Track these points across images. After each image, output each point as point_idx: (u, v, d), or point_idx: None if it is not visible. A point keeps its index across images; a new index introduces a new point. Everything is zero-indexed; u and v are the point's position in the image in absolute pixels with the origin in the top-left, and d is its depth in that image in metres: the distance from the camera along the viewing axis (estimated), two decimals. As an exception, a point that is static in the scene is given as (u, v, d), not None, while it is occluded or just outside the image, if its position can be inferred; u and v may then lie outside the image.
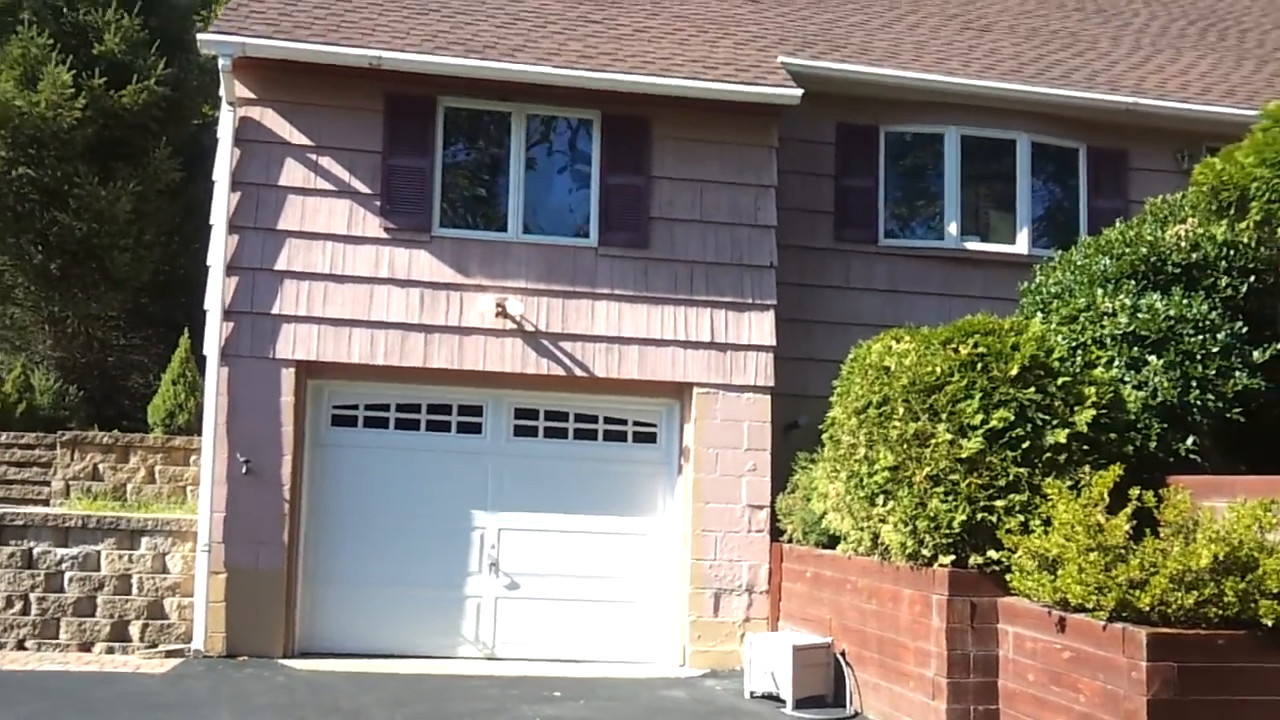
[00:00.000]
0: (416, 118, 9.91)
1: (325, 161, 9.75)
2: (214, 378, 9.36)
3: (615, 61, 10.18)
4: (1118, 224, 8.67)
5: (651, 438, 10.31)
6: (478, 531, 9.90)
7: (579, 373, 9.87)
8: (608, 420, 10.24)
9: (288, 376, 9.45)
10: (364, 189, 9.76)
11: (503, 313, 9.72)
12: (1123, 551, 6.01)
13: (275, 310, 9.50)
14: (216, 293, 9.39)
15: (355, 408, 9.97)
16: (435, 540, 9.81)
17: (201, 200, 14.37)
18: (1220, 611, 5.73)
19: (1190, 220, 8.03)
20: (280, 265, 9.55)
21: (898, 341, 7.82)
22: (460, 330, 9.75)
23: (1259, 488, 6.25)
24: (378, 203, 9.76)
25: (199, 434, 10.74)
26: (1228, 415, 7.24)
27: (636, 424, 10.29)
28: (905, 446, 7.29)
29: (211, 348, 9.38)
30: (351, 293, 9.65)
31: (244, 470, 9.26)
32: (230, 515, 9.24)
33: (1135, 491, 6.36)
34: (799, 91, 10.10)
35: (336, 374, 9.77)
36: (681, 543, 9.99)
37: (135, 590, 9.56)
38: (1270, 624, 5.69)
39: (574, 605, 9.92)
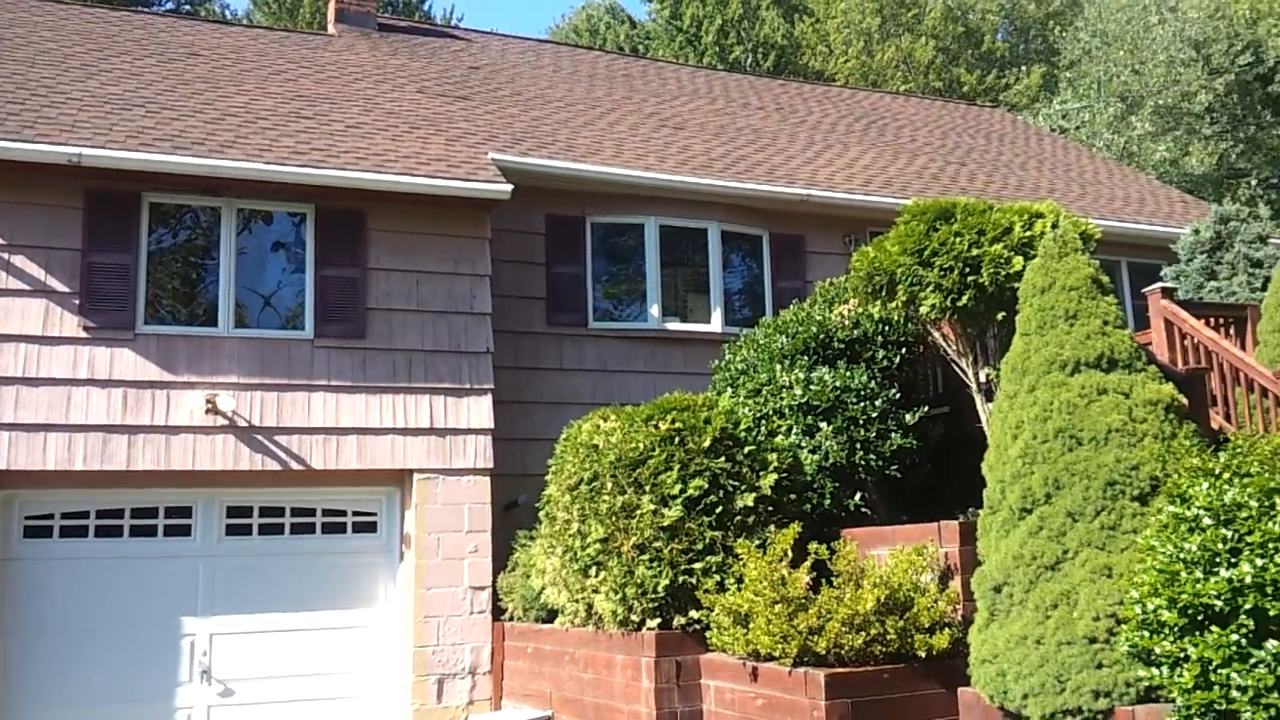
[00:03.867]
0: (119, 214, 9.65)
1: (18, 260, 9.29)
2: (-116, 494, 8.62)
3: (329, 158, 10.32)
4: (794, 304, 9.67)
5: (372, 527, 10.32)
6: (188, 639, 9.51)
7: (295, 466, 9.79)
8: (326, 512, 10.18)
9: (-28, 488, 8.84)
10: (61, 288, 9.37)
11: (213, 409, 9.53)
12: (803, 601, 6.70)
13: (-42, 418, 8.90)
14: (-114, 402, 8.69)
15: (50, 517, 9.42)
16: (143, 652, 9.36)
17: None
18: (885, 648, 6.50)
19: (852, 301, 9.07)
20: (-36, 369, 8.97)
21: (605, 420, 8.34)
22: (167, 430, 9.47)
23: (914, 535, 7.14)
24: (76, 301, 9.39)
25: None
26: (887, 472, 8.21)
27: (356, 514, 10.28)
28: (614, 519, 7.78)
29: (-119, 461, 8.65)
30: (47, 396, 9.17)
31: (-79, 592, 8.56)
32: (-95, 643, 8.49)
33: (813, 546, 7.12)
34: (509, 187, 10.58)
35: (29, 483, 9.22)
36: (404, 631, 10.01)
37: None
38: (924, 655, 6.51)
39: (294, 707, 9.69)
